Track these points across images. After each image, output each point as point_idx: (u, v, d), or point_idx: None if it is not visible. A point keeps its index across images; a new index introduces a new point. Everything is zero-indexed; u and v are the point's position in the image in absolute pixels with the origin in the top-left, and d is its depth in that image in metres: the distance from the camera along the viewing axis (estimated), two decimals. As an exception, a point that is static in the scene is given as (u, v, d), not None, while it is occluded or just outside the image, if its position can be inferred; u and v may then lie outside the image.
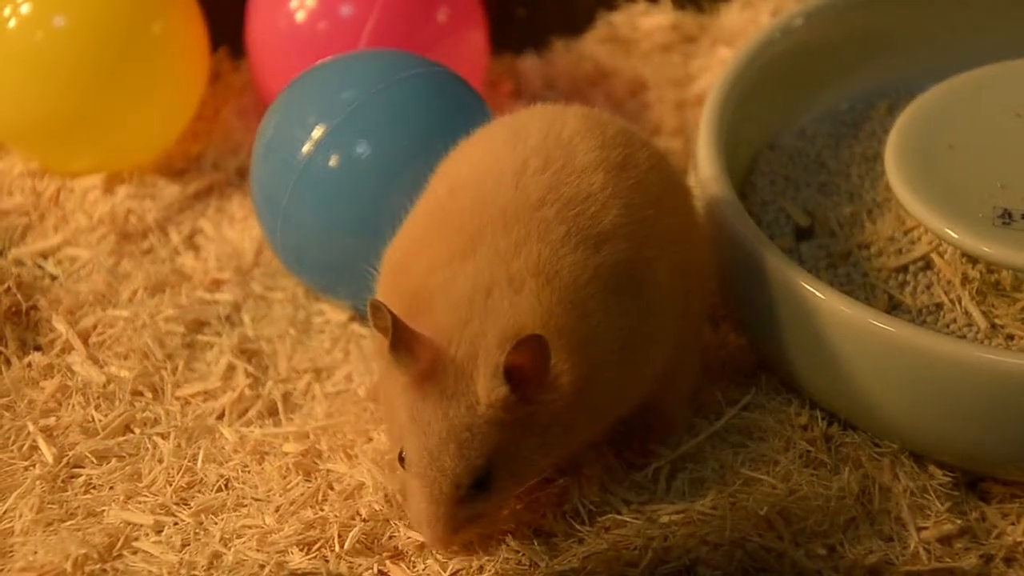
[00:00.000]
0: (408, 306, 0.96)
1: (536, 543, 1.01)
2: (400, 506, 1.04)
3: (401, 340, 0.94)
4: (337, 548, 1.02)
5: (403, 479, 0.99)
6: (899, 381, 1.04)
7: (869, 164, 1.22)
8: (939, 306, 1.11)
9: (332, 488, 1.06)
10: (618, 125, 1.06)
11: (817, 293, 1.05)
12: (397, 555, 1.02)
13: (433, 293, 0.96)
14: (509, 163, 1.00)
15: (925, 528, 1.03)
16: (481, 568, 1.00)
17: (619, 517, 1.01)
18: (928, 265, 1.13)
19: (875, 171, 1.21)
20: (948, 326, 1.09)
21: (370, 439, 1.10)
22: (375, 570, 1.01)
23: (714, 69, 1.42)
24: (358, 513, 1.04)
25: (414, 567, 1.01)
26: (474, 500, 0.96)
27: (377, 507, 1.04)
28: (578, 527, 1.01)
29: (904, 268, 1.13)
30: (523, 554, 1.00)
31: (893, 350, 1.03)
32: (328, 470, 1.08)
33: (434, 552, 1.01)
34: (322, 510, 1.04)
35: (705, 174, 1.15)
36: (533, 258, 0.96)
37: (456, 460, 0.94)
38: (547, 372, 0.94)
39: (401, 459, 0.97)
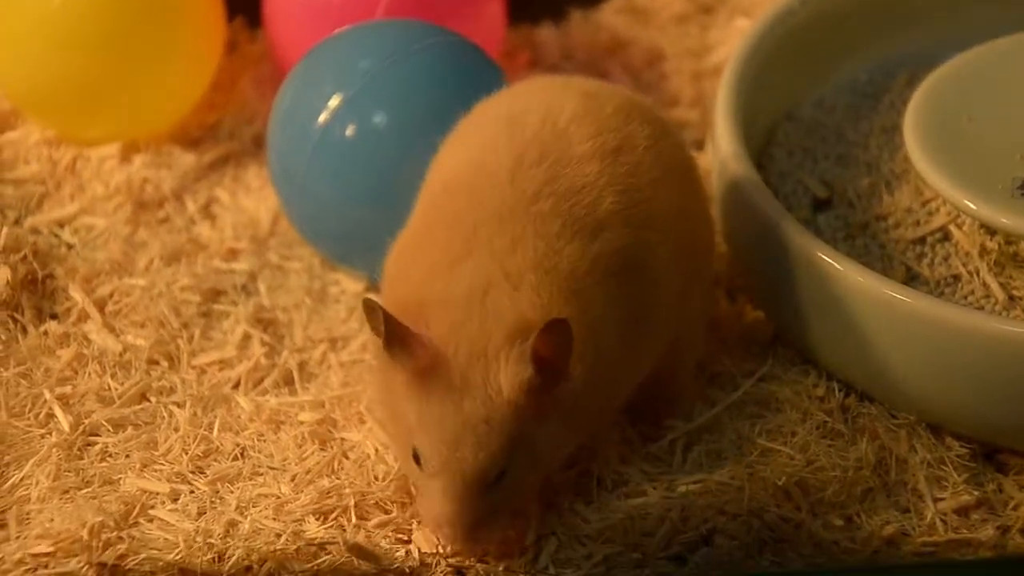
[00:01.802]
0: (405, 309, 0.96)
1: (553, 512, 1.01)
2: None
3: (396, 337, 0.93)
4: (354, 517, 1.02)
5: (416, 482, 0.99)
6: (916, 353, 1.04)
7: (888, 135, 1.21)
8: (957, 278, 1.10)
9: (347, 457, 1.06)
10: (618, 101, 1.05)
11: (835, 264, 1.05)
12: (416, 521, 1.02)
13: (430, 299, 0.96)
14: (505, 158, 0.99)
15: (942, 499, 1.03)
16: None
17: (636, 486, 1.01)
18: (946, 236, 1.12)
19: (894, 142, 1.20)
20: (966, 298, 1.09)
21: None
22: (393, 538, 1.01)
23: (732, 40, 1.41)
24: (376, 478, 1.04)
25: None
26: (492, 494, 0.95)
27: (391, 474, 1.04)
28: (595, 496, 1.01)
29: (922, 240, 1.13)
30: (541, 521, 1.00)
31: (911, 321, 1.03)
32: (343, 439, 1.08)
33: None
34: (338, 479, 1.04)
35: (722, 146, 1.15)
36: (530, 253, 0.96)
37: (476, 452, 0.93)
38: (569, 357, 0.93)
39: (416, 460, 0.96)
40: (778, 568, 0.99)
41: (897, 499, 1.03)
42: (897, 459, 1.04)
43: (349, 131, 1.15)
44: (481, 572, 0.99)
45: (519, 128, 1.01)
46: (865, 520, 1.01)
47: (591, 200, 0.99)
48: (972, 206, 1.08)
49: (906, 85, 1.25)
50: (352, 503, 1.02)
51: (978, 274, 1.10)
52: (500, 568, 0.98)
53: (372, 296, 1.18)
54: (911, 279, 1.11)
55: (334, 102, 1.15)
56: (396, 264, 1.01)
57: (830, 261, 1.05)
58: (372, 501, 1.03)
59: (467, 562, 0.99)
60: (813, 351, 1.10)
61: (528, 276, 0.95)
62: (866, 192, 1.17)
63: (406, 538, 1.01)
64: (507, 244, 0.96)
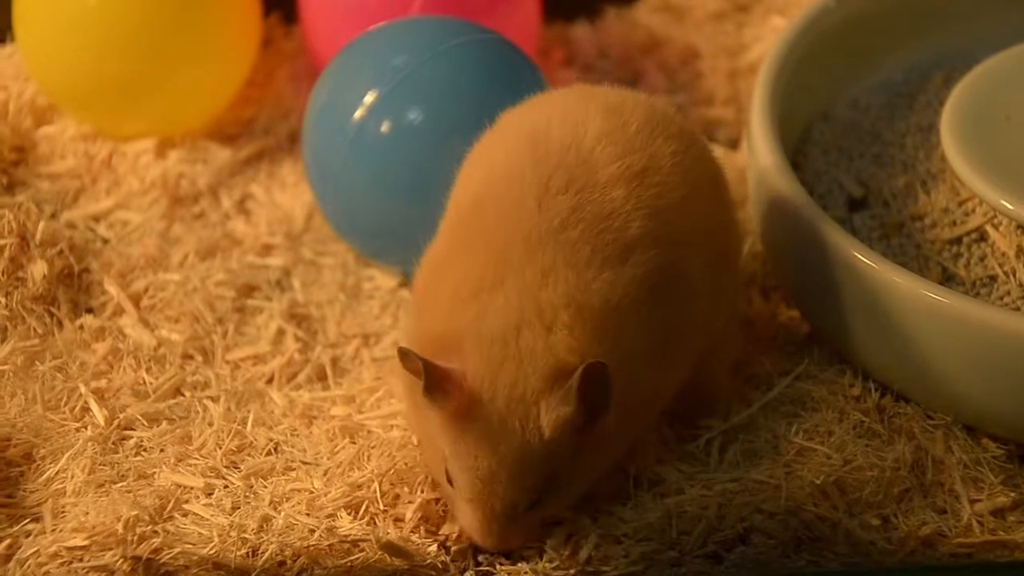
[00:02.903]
0: (437, 342, 0.96)
1: (589, 509, 1.01)
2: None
3: (434, 381, 0.94)
4: (384, 509, 1.02)
5: (450, 495, 0.99)
6: (953, 353, 1.03)
7: (924, 135, 1.21)
8: (993, 278, 1.10)
9: (375, 447, 1.06)
10: (642, 116, 1.04)
11: (871, 264, 1.05)
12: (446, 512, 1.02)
13: (462, 332, 0.96)
14: (532, 182, 0.99)
15: (978, 500, 1.02)
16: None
17: (673, 485, 1.01)
18: (982, 237, 1.12)
19: (930, 142, 1.20)
20: (1002, 298, 1.09)
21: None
22: (422, 531, 1.01)
23: (767, 38, 1.41)
24: (406, 466, 1.04)
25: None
26: (526, 518, 0.97)
27: (417, 461, 1.04)
28: (632, 494, 1.01)
29: (958, 240, 1.12)
30: (577, 520, 1.00)
31: (948, 322, 1.02)
32: (370, 431, 1.08)
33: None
34: (368, 472, 1.04)
35: (758, 145, 1.14)
36: (561, 287, 0.96)
37: (508, 487, 0.95)
38: (609, 396, 0.94)
39: (448, 480, 0.97)
40: (814, 568, 0.99)
41: (933, 500, 1.02)
42: (933, 460, 1.04)
43: (384, 127, 1.15)
44: (514, 571, 0.99)
45: (544, 151, 1.00)
46: (902, 520, 1.00)
47: (619, 225, 0.98)
48: (1009, 206, 1.08)
49: (943, 84, 1.24)
50: (380, 495, 1.02)
51: (1015, 275, 1.09)
52: (537, 566, 0.98)
53: (406, 293, 1.19)
54: (947, 279, 1.10)
55: (369, 98, 1.16)
56: (426, 286, 1.01)
57: (867, 261, 1.05)
58: (402, 495, 1.03)
59: (497, 565, 0.99)
60: (849, 351, 1.10)
61: (561, 315, 0.95)
62: (902, 192, 1.17)
63: (436, 530, 1.01)
64: (537, 276, 0.96)
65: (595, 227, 0.98)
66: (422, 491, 1.03)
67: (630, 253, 0.98)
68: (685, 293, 1.00)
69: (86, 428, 1.09)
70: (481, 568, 1.00)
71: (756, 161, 1.14)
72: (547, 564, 0.98)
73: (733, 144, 1.29)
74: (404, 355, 0.94)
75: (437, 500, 1.02)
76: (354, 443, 1.07)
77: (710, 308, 1.03)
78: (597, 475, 0.99)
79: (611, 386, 0.93)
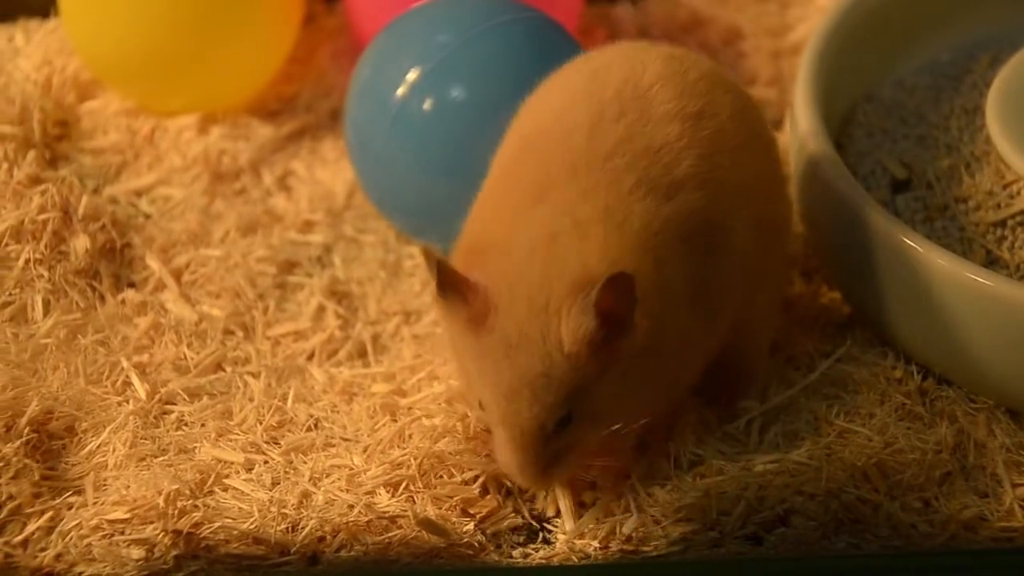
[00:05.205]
0: (465, 257, 0.96)
1: (629, 490, 1.01)
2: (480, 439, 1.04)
3: (448, 283, 0.93)
4: (423, 489, 1.02)
5: (487, 425, 0.99)
6: (996, 336, 1.03)
7: (969, 117, 1.20)
8: (1038, 262, 1.09)
9: (416, 427, 1.06)
10: (703, 69, 1.04)
11: (915, 246, 1.04)
12: (483, 493, 1.02)
13: (490, 241, 0.95)
14: (584, 114, 0.99)
15: (1021, 485, 1.02)
16: (578, 515, 1.01)
17: (714, 463, 1.01)
18: (1027, 220, 1.11)
19: (975, 124, 1.19)
20: (1047, 282, 1.08)
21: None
22: (459, 510, 1.01)
23: (811, 18, 1.41)
24: (445, 450, 1.04)
25: (504, 506, 1.02)
26: (557, 440, 0.95)
27: (458, 444, 1.04)
28: (672, 475, 1.01)
29: (1003, 223, 1.12)
30: (617, 497, 1.00)
31: (991, 305, 1.02)
32: (410, 408, 1.08)
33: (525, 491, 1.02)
34: (407, 449, 1.04)
35: (802, 125, 1.14)
36: (600, 205, 0.95)
37: (532, 406, 0.93)
38: (633, 312, 0.92)
39: (481, 405, 0.96)
40: (855, 550, 0.99)
41: (975, 484, 1.02)
42: (976, 443, 1.04)
43: (427, 105, 1.15)
44: (552, 553, 0.99)
45: (600, 85, 1.00)
46: (943, 504, 1.00)
47: (669, 160, 0.98)
48: (1055, 189, 1.07)
49: (989, 66, 1.23)
50: (420, 475, 1.02)
51: (1059, 258, 1.09)
52: (575, 546, 0.99)
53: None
54: (991, 262, 1.10)
55: (412, 76, 1.15)
56: (471, 211, 1.01)
57: (911, 243, 1.04)
58: (443, 475, 1.03)
59: (532, 547, 0.99)
60: (891, 333, 1.09)
61: (596, 227, 0.94)
62: (946, 174, 1.16)
63: (474, 511, 1.01)
64: (577, 195, 0.95)
65: (643, 159, 0.97)
66: (462, 472, 1.03)
67: (677, 191, 0.97)
68: (726, 249, 0.99)
69: (128, 402, 1.09)
70: (520, 549, 1.00)
71: (799, 142, 1.14)
72: (587, 543, 0.98)
73: (776, 125, 1.28)
74: (427, 254, 0.93)
75: (476, 478, 1.02)
76: (395, 421, 1.07)
77: (753, 277, 1.02)
78: (628, 412, 0.97)
79: (635, 299, 0.91)
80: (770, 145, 1.07)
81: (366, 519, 1.00)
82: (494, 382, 0.93)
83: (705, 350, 1.01)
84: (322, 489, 1.02)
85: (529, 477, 0.96)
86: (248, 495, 1.02)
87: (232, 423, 1.08)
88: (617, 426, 0.96)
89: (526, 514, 1.02)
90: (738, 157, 1.01)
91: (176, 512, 1.00)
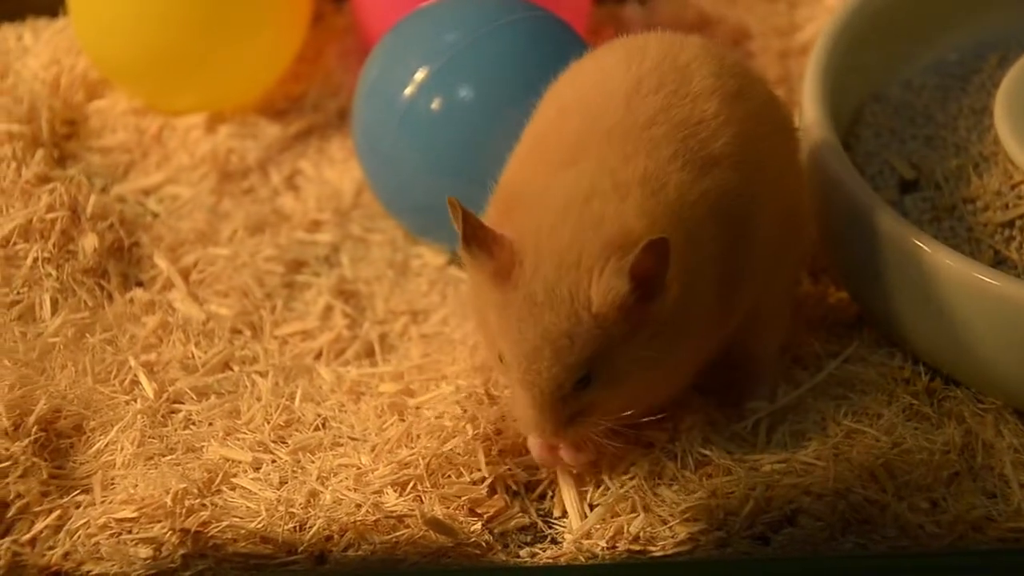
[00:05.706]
0: (498, 212, 0.95)
1: (636, 490, 1.01)
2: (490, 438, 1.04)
3: (474, 236, 0.92)
4: (430, 485, 1.02)
5: (506, 380, 0.98)
6: (1004, 337, 1.03)
7: (977, 117, 1.20)
8: (1046, 262, 1.09)
9: (424, 427, 1.06)
10: (736, 57, 1.05)
11: (922, 246, 1.04)
12: (490, 493, 1.02)
13: (522, 197, 0.95)
14: (621, 83, 0.99)
15: (1028, 485, 1.02)
16: (584, 514, 1.01)
17: (721, 463, 1.01)
18: (1035, 220, 1.11)
19: (983, 124, 1.19)
20: (1055, 282, 1.08)
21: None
22: (466, 509, 1.01)
23: (819, 18, 1.41)
24: (453, 450, 1.04)
25: (511, 506, 1.02)
26: (576, 399, 0.94)
27: (467, 445, 1.04)
28: (679, 475, 1.01)
29: (1011, 223, 1.11)
30: (623, 497, 1.00)
31: (1000, 305, 1.02)
32: (418, 408, 1.08)
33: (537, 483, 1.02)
34: (415, 449, 1.04)
35: (810, 124, 1.14)
36: (640, 170, 0.94)
37: (553, 366, 0.92)
38: (664, 277, 0.91)
39: (501, 359, 0.96)
40: (862, 550, 0.98)
41: (983, 484, 1.02)
42: (984, 443, 1.04)
43: (435, 104, 1.15)
44: (559, 553, 0.99)
45: (639, 59, 1.00)
46: (951, 504, 1.00)
47: (706, 136, 0.98)
48: (1063, 190, 1.07)
49: (997, 66, 1.23)
50: (427, 474, 1.02)
51: (1067, 259, 1.09)
52: (583, 546, 0.99)
53: (454, 270, 1.19)
54: (999, 263, 1.10)
55: (420, 75, 1.16)
56: (503, 173, 1.01)
57: (919, 243, 1.04)
58: (450, 475, 1.03)
59: (540, 546, 1.00)
60: (899, 333, 1.09)
61: (635, 190, 0.94)
62: (954, 174, 1.16)
63: (481, 511, 1.01)
64: (618, 158, 0.95)
65: (682, 130, 0.97)
66: (469, 472, 1.03)
67: (712, 167, 0.97)
68: (750, 235, 0.99)
69: (135, 401, 1.10)
70: (527, 548, 1.00)
71: (808, 141, 1.13)
72: (594, 543, 0.98)
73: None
74: (452, 206, 0.92)
75: (483, 479, 1.02)
76: (403, 420, 1.07)
77: (771, 267, 1.02)
78: (647, 381, 0.96)
79: (668, 264, 0.91)
80: (794, 141, 1.08)
81: (374, 518, 1.00)
82: (516, 339, 0.93)
83: (716, 337, 1.01)
84: (330, 488, 1.02)
85: (544, 435, 0.96)
86: (256, 494, 1.02)
87: (240, 422, 1.08)
88: (627, 412, 0.96)
89: (533, 514, 1.02)
90: (769, 146, 1.01)
91: (184, 511, 1.00)
